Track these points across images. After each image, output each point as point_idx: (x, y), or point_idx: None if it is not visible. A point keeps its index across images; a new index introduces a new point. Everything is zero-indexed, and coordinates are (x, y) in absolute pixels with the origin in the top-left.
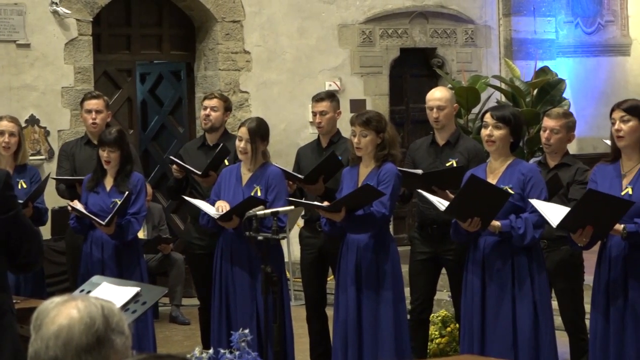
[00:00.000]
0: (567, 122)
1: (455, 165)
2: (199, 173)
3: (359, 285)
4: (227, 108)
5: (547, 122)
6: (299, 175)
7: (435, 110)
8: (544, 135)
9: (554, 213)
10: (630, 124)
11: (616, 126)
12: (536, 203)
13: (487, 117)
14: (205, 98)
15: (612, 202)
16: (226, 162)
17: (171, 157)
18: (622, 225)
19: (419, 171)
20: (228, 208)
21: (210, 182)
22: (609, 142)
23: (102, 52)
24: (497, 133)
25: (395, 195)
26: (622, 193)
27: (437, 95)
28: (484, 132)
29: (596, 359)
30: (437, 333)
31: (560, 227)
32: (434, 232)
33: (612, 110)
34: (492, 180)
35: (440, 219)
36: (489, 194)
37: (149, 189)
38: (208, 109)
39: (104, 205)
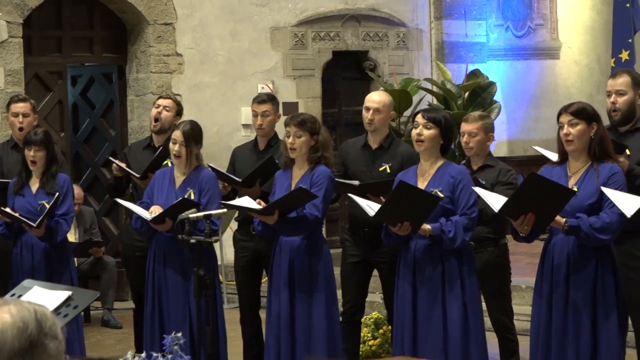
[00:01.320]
0: (484, 123)
1: (388, 170)
2: (138, 175)
3: (292, 287)
4: (179, 112)
5: (465, 127)
6: (237, 179)
7: (371, 112)
8: (463, 139)
9: (496, 200)
10: (578, 127)
11: (564, 130)
12: (478, 190)
13: (418, 117)
14: (159, 97)
15: (554, 189)
16: (169, 163)
17: (110, 157)
18: (564, 219)
19: (356, 182)
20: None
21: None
22: (538, 148)
23: (33, 55)
24: (427, 133)
25: (328, 198)
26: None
27: (376, 98)
28: (414, 132)
29: (537, 358)
30: (369, 335)
31: (502, 212)
32: (365, 234)
33: (559, 114)
34: (423, 182)
35: (372, 221)
36: (419, 199)
37: (80, 192)
38: (160, 107)
39: (30, 208)
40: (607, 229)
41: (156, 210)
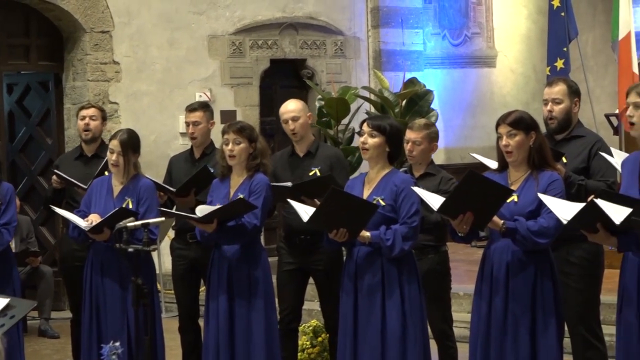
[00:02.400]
0: (429, 132)
1: (318, 173)
2: (85, 187)
3: (230, 295)
4: (104, 117)
5: (409, 134)
6: (171, 188)
7: (290, 122)
8: (407, 147)
9: (435, 199)
10: (517, 138)
11: (503, 142)
12: (417, 190)
13: (364, 126)
14: (81, 108)
15: (493, 188)
16: (105, 172)
17: (55, 170)
18: (502, 221)
19: (288, 184)
20: (99, 220)
21: None
22: (476, 155)
23: None
24: (371, 141)
25: (267, 206)
26: (508, 201)
27: (290, 107)
28: (360, 140)
29: None
30: (308, 343)
31: (441, 211)
32: (301, 242)
33: (498, 125)
34: (368, 190)
35: (307, 229)
36: (353, 206)
37: (17, 201)
38: (87, 119)
39: None
40: (544, 232)
41: (94, 219)
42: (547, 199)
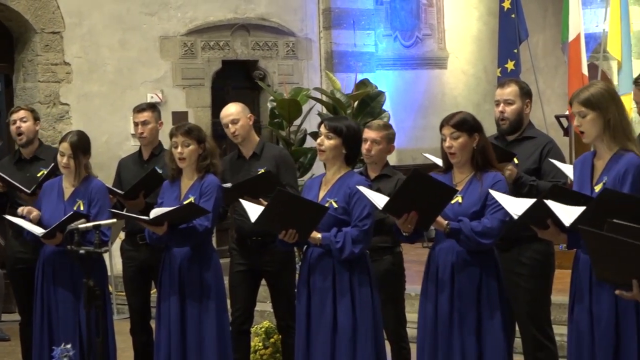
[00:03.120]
0: (388, 133)
1: None
2: (28, 192)
3: (182, 297)
4: (36, 117)
5: (368, 134)
6: (120, 191)
7: (230, 125)
8: (364, 146)
9: (380, 199)
10: (460, 140)
11: (447, 143)
12: (362, 189)
13: (322, 127)
14: (11, 112)
15: (437, 187)
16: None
17: (0, 174)
18: (446, 221)
19: (228, 185)
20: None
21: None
22: (428, 155)
23: None
24: (328, 143)
25: (218, 207)
26: (452, 201)
27: (228, 111)
28: (317, 141)
29: None
30: (260, 344)
31: (386, 209)
32: (253, 243)
33: (441, 126)
34: (323, 191)
35: (259, 230)
36: (301, 208)
37: None
38: (18, 122)
39: None
40: (487, 233)
41: (30, 213)
42: (498, 195)
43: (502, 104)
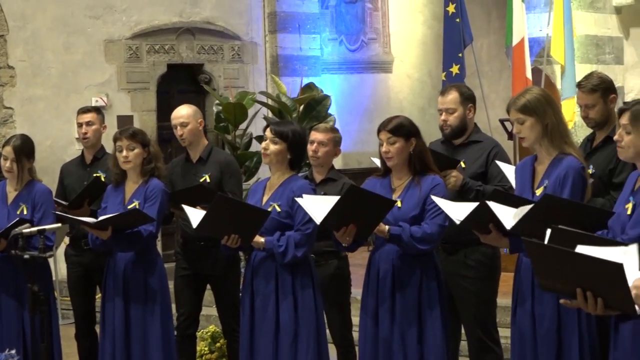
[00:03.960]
0: (334, 136)
1: (208, 179)
2: None
3: (126, 302)
4: None
5: (315, 135)
6: (64, 202)
7: (179, 127)
8: (311, 148)
9: (318, 211)
10: (397, 145)
11: (384, 148)
12: (300, 201)
13: (267, 131)
14: None
15: (374, 200)
16: None
17: None
18: (387, 227)
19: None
20: None
21: None
22: (374, 159)
23: None
24: (273, 147)
25: (162, 211)
26: None
27: (179, 113)
28: (262, 145)
29: None
30: (206, 349)
31: (324, 224)
32: (197, 248)
33: (379, 131)
34: (267, 195)
35: (203, 235)
36: (242, 212)
37: None
38: None
39: None
40: (426, 239)
41: None
42: (439, 201)
43: (444, 113)
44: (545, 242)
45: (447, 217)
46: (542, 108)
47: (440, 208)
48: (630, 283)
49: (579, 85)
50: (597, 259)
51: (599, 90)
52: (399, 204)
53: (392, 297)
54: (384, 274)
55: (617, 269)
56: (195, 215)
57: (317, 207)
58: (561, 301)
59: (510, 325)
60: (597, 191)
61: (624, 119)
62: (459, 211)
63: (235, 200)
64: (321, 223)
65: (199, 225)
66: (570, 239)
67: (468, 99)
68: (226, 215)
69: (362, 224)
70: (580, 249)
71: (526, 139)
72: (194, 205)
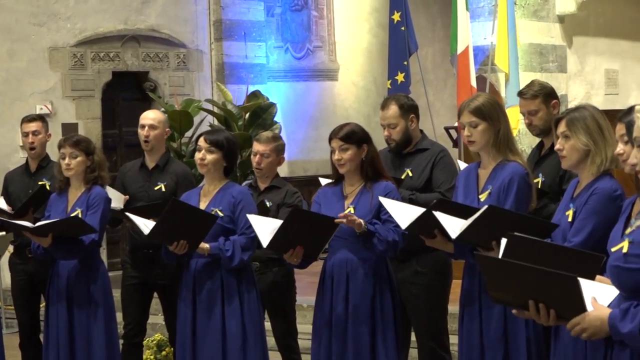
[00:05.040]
0: (277, 145)
1: (164, 189)
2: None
3: (70, 310)
4: None
5: (257, 147)
6: (8, 211)
7: (147, 128)
8: (254, 159)
9: (264, 233)
10: (349, 152)
11: (336, 155)
12: (252, 220)
13: (201, 141)
14: None
15: (319, 220)
16: None
17: None
18: (362, 221)
19: (117, 207)
20: None
21: None
22: (323, 180)
23: None
24: (210, 157)
25: (105, 219)
26: (345, 212)
27: (151, 115)
28: (198, 156)
29: None
30: (152, 357)
31: (270, 247)
32: (145, 256)
33: (330, 139)
34: (204, 202)
35: (151, 243)
36: (194, 218)
37: None
38: None
39: None
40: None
41: None
42: (387, 203)
43: (386, 128)
44: (502, 249)
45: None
46: (496, 114)
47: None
48: (585, 294)
49: (521, 93)
50: (552, 272)
51: (541, 96)
52: (352, 210)
53: (345, 306)
54: (337, 283)
55: (571, 281)
56: (143, 222)
57: (264, 228)
58: (513, 311)
59: (457, 332)
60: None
61: (561, 128)
62: (405, 215)
63: (189, 205)
64: (267, 246)
65: (152, 232)
66: (526, 247)
67: (409, 110)
68: (178, 220)
69: (310, 244)
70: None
71: (476, 143)
72: (146, 217)
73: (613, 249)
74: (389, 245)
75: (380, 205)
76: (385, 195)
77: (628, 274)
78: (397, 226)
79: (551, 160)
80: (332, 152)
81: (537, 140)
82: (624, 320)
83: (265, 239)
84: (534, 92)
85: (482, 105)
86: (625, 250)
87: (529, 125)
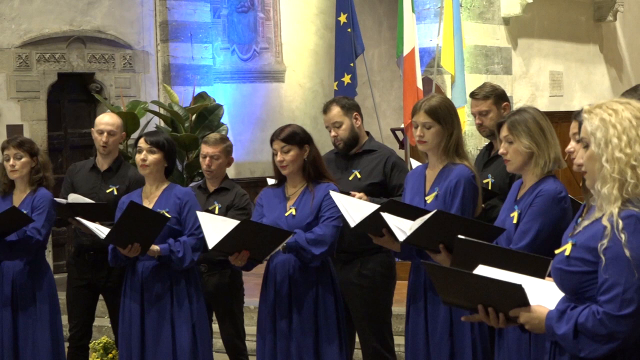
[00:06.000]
0: (226, 146)
1: (116, 192)
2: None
3: (15, 312)
4: None
5: (207, 149)
6: None
7: (105, 134)
8: (205, 162)
9: (213, 231)
10: (291, 153)
11: (278, 157)
12: (200, 215)
13: (142, 142)
14: None
15: (269, 232)
16: None
17: None
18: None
19: (64, 201)
20: None
21: None
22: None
23: None
24: (152, 157)
25: (51, 221)
26: (286, 214)
27: (109, 120)
28: (139, 157)
29: None
30: None
31: (215, 249)
32: (90, 258)
33: (272, 141)
34: (148, 205)
35: (97, 245)
36: (148, 219)
37: None
38: None
39: None
40: (321, 240)
41: None
42: (337, 198)
43: (332, 129)
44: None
45: (341, 220)
46: (450, 118)
47: (336, 213)
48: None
49: (472, 94)
50: (497, 281)
51: (492, 97)
52: (293, 211)
53: (289, 308)
54: (280, 285)
55: (517, 289)
56: (96, 227)
57: (213, 228)
58: (462, 318)
59: (403, 332)
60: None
61: (504, 132)
62: (356, 212)
63: (145, 207)
64: (213, 248)
65: (108, 236)
66: (475, 250)
67: (351, 108)
68: (134, 223)
69: (256, 250)
70: (481, 269)
71: (427, 143)
72: (91, 220)
73: (557, 251)
74: (316, 257)
75: (321, 206)
76: (325, 196)
77: (570, 276)
78: (337, 222)
79: (500, 161)
80: (274, 154)
81: (483, 142)
82: (559, 321)
83: (211, 240)
84: (486, 93)
85: (438, 108)
86: (567, 253)
87: (480, 127)
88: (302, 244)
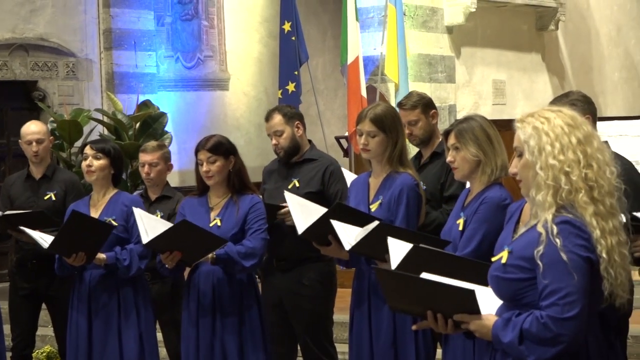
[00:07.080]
0: (163, 153)
1: (53, 197)
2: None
3: None
4: None
5: (145, 157)
6: None
7: (35, 144)
8: (144, 170)
9: (149, 230)
10: (217, 163)
11: (204, 167)
12: (135, 211)
13: (87, 149)
14: None
15: (205, 237)
16: None
17: None
18: (211, 254)
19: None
20: None
21: None
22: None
23: None
24: (98, 163)
25: None
26: (211, 224)
27: (35, 129)
28: (84, 164)
29: None
30: None
31: (149, 247)
32: (34, 267)
33: (197, 151)
34: (95, 213)
35: (40, 253)
36: (92, 228)
37: None
38: None
39: None
40: (251, 253)
41: None
42: (291, 199)
43: (273, 137)
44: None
45: (267, 232)
46: (395, 127)
47: (263, 225)
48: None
49: (400, 104)
50: (449, 286)
51: (420, 106)
52: (218, 222)
53: (212, 317)
54: (203, 296)
55: (468, 295)
56: (39, 236)
57: (148, 226)
58: (413, 327)
59: (347, 341)
60: (431, 206)
61: (451, 140)
62: (306, 215)
63: (88, 215)
64: (146, 245)
65: (51, 245)
66: (427, 258)
67: (292, 117)
68: (77, 232)
69: (187, 253)
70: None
71: (371, 152)
72: (31, 228)
73: (493, 259)
74: (246, 270)
75: (247, 218)
76: (251, 208)
77: (507, 283)
78: (265, 234)
79: (431, 168)
80: (200, 164)
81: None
82: (505, 329)
83: (145, 236)
84: (413, 103)
85: (384, 117)
86: (504, 260)
87: (410, 136)
88: (234, 256)
